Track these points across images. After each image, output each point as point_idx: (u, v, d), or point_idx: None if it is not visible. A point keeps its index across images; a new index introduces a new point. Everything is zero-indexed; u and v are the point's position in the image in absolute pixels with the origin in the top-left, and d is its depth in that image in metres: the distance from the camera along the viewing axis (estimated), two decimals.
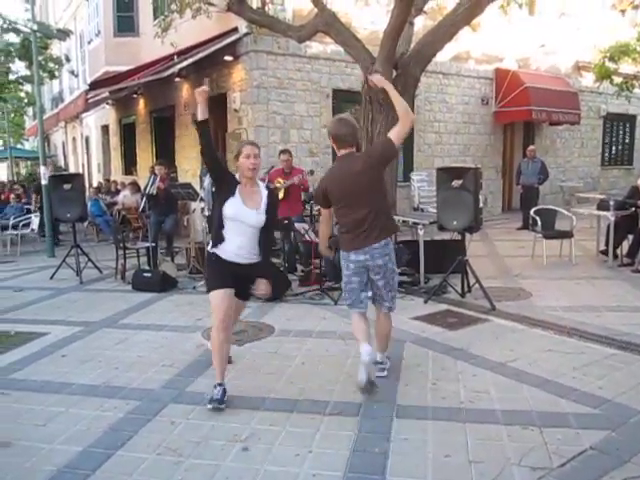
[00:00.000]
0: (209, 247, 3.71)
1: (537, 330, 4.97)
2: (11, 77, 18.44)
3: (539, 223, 8.02)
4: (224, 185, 3.59)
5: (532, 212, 8.29)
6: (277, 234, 7.93)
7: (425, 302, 5.98)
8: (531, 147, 11.76)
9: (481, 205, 6.44)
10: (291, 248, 7.60)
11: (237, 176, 3.61)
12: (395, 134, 3.72)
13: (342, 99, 10.46)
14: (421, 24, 9.17)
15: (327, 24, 7.36)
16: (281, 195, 7.39)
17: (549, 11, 13.16)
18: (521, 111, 12.77)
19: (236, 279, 3.61)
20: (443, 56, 10.34)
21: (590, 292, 6.24)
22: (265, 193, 3.63)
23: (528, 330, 5.00)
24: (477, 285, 5.91)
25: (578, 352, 4.36)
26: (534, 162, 11.23)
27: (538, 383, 3.77)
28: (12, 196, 13.21)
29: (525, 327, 5.08)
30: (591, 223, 9.17)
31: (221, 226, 3.57)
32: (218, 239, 3.60)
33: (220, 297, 3.56)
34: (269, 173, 7.64)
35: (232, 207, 3.52)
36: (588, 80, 14.68)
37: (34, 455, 3.02)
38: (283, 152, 7.58)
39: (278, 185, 7.38)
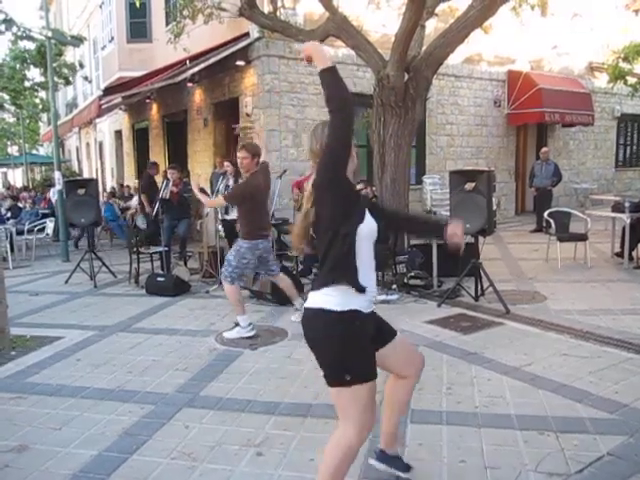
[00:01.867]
0: (334, 303, 2.20)
1: (552, 334, 4.92)
2: (26, 84, 18.67)
3: (553, 226, 7.95)
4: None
5: (546, 214, 8.23)
6: (289, 237, 7.96)
7: (438, 306, 5.95)
8: (544, 149, 11.69)
9: (494, 208, 6.41)
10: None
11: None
12: None
13: (354, 103, 10.43)
14: (433, 27, 9.14)
15: (338, 28, 7.36)
16: None
17: (562, 12, 13.06)
18: (534, 113, 12.68)
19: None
20: (455, 58, 10.31)
21: (606, 295, 6.18)
22: None
23: (543, 334, 4.95)
24: (491, 288, 5.88)
25: (594, 356, 4.31)
26: (547, 164, 11.16)
27: (554, 387, 3.73)
28: (28, 201, 13.38)
29: (540, 331, 5.03)
30: (606, 225, 9.08)
31: (353, 254, 2.24)
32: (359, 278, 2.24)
33: (373, 391, 2.28)
34: (285, 177, 7.70)
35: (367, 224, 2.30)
36: (602, 81, 14.56)
37: (50, 459, 3.04)
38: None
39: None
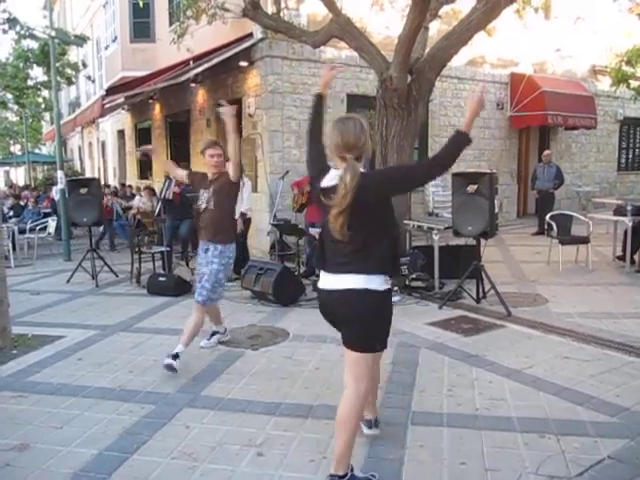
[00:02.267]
0: (378, 284, 2.62)
1: (553, 336, 4.92)
2: (29, 83, 18.70)
3: (555, 228, 7.95)
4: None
5: (548, 217, 8.23)
6: (293, 239, 7.97)
7: (440, 308, 5.94)
8: (547, 152, 11.68)
9: (496, 210, 6.41)
10: (312, 252, 7.63)
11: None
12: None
13: (357, 104, 10.44)
14: (436, 29, 9.15)
15: (342, 29, 7.36)
16: (306, 199, 7.43)
17: (565, 15, 13.07)
18: (537, 115, 12.67)
19: None
20: (458, 60, 10.31)
21: (607, 298, 6.17)
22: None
23: (544, 336, 4.95)
24: (492, 291, 5.87)
25: (595, 359, 4.31)
26: (550, 167, 11.15)
27: (555, 390, 3.73)
28: (31, 200, 13.40)
29: (541, 333, 5.03)
30: (608, 228, 9.07)
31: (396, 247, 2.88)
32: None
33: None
34: (287, 177, 7.71)
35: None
36: (604, 84, 14.54)
37: (51, 457, 3.05)
38: None
39: (305, 189, 7.42)
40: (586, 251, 7.72)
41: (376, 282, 2.60)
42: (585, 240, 7.77)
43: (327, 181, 2.68)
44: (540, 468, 2.80)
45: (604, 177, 15.55)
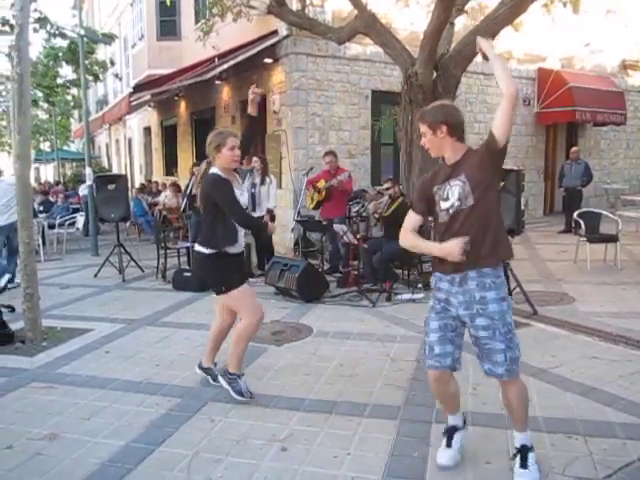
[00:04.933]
0: (207, 249, 3.63)
1: (581, 336, 4.84)
2: (59, 81, 19.01)
3: (583, 226, 7.81)
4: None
5: (575, 215, 8.08)
6: (317, 235, 7.99)
7: None
8: (574, 148, 11.49)
9: (523, 208, 6.32)
10: (335, 249, 7.63)
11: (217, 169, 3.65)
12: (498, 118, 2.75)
13: (381, 100, 10.41)
14: (462, 24, 9.05)
15: (367, 25, 7.34)
16: (322, 196, 7.44)
17: (595, 9, 12.79)
18: (564, 112, 12.45)
19: None
20: None
21: (636, 298, 6.05)
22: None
23: (571, 336, 4.88)
24: (518, 289, 5.80)
25: (625, 360, 4.23)
26: (577, 164, 10.97)
27: (582, 391, 3.67)
28: (60, 196, 13.66)
29: (568, 333, 4.95)
30: (637, 227, 8.90)
31: (231, 224, 3.63)
32: (232, 235, 3.65)
33: (249, 290, 3.75)
34: (312, 174, 7.72)
35: (241, 196, 3.71)
36: (635, 79, 14.23)
37: (79, 448, 3.11)
38: (327, 154, 7.68)
39: (320, 186, 7.43)
40: (615, 250, 7.57)
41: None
42: (614, 238, 7.62)
43: None
44: (567, 469, 2.76)
45: (633, 174, 15.22)
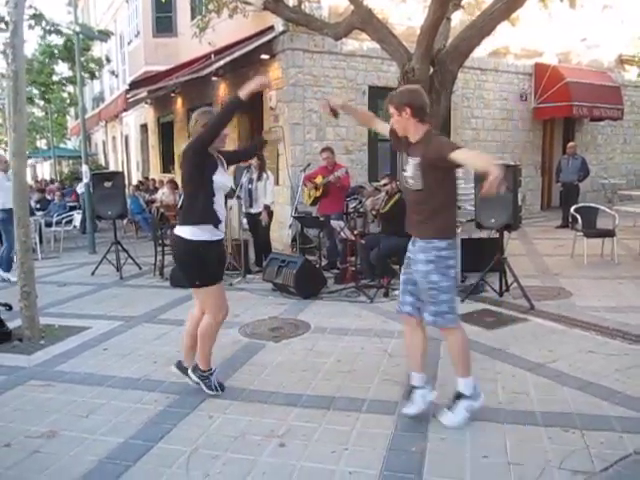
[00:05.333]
0: (191, 234, 3.44)
1: (578, 330, 4.86)
2: (55, 78, 18.96)
3: (580, 221, 7.83)
4: (208, 158, 3.52)
5: (572, 210, 8.09)
6: (314, 231, 7.98)
7: (462, 301, 5.89)
8: (571, 143, 11.49)
9: (520, 203, 6.33)
10: (333, 245, 7.63)
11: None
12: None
13: (378, 96, 10.38)
14: (458, 19, 9.04)
15: (363, 21, 7.32)
16: (319, 192, 7.44)
17: (591, 4, 12.80)
18: (561, 107, 12.46)
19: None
20: (481, 51, 10.17)
21: (633, 292, 6.06)
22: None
23: (568, 330, 4.89)
24: (515, 284, 5.82)
25: (621, 354, 4.25)
26: (574, 159, 10.98)
27: (579, 385, 3.68)
28: (57, 193, 13.63)
29: (565, 327, 4.97)
30: (634, 221, 8.92)
31: (211, 201, 3.46)
32: (215, 217, 3.47)
33: (221, 287, 3.66)
34: (309, 170, 7.72)
35: (221, 176, 3.55)
36: (632, 74, 14.24)
37: (78, 445, 3.11)
38: (324, 150, 7.68)
39: (317, 182, 7.43)
40: (612, 244, 7.59)
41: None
42: (611, 233, 7.64)
43: None
44: (564, 462, 2.77)
45: (630, 169, 15.26)
